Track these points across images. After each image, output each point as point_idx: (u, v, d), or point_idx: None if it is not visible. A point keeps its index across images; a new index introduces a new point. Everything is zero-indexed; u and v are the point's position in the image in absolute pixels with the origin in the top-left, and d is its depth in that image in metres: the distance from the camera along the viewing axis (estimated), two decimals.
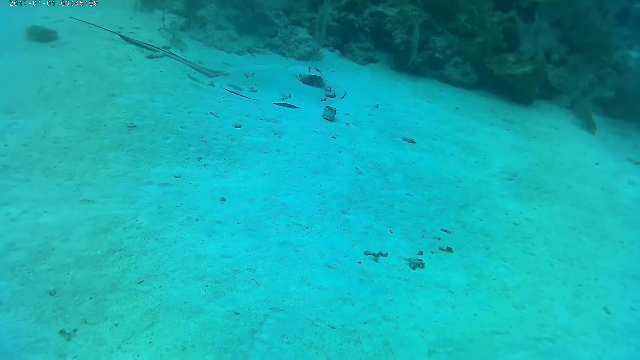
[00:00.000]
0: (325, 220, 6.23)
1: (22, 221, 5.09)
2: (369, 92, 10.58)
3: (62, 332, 4.28)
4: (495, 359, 4.88)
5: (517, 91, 12.39)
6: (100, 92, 7.52)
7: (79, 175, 5.92)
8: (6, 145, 6.08)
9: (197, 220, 5.65)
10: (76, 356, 4.06)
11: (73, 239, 5.02)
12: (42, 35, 8.43)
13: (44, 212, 5.29)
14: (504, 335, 5.17)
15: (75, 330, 4.27)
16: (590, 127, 12.15)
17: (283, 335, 4.58)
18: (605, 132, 12.38)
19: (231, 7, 10.78)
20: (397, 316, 5.06)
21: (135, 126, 6.98)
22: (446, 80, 12.65)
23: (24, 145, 6.16)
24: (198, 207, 5.85)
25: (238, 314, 4.64)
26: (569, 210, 8.12)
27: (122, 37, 9.20)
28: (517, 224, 7.25)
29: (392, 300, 5.28)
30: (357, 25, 12.12)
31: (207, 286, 4.86)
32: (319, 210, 6.37)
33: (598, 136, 12.11)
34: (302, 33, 11.56)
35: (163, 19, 10.10)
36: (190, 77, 8.79)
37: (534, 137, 10.92)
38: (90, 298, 4.53)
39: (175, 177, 6.29)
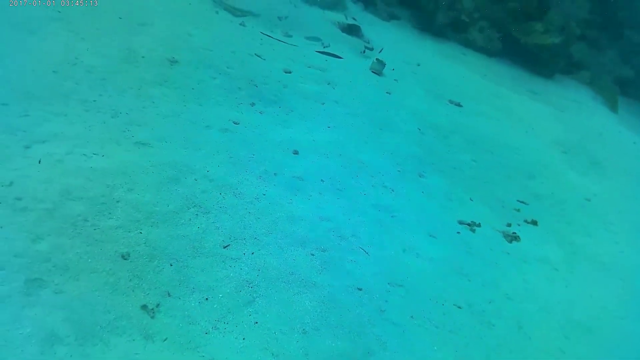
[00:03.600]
0: (407, 182, 5.39)
1: (70, 163, 3.98)
2: (402, 49, 9.68)
3: (144, 307, 3.28)
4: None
5: (542, 62, 11.75)
6: (128, 19, 6.30)
7: (125, 112, 4.80)
8: (33, 70, 4.83)
9: (275, 174, 4.67)
10: (166, 338, 3.07)
11: (138, 189, 3.94)
12: None
13: (94, 154, 4.18)
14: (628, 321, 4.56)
15: (158, 305, 3.27)
16: (613, 106, 11.68)
17: (412, 317, 3.73)
18: (626, 113, 11.94)
19: None
20: (517, 294, 4.35)
21: (177, 61, 5.85)
22: (469, 44, 11.88)
23: (54, 72, 4.93)
24: (272, 158, 4.85)
25: (361, 289, 3.72)
26: (628, 184, 7.58)
27: None
28: (588, 200, 6.68)
29: (504, 275, 4.58)
30: None
31: (312, 255, 3.92)
32: (398, 171, 5.51)
33: (620, 115, 11.64)
34: None
35: None
36: (218, 14, 7.57)
37: (562, 111, 10.32)
38: (171, 265, 3.52)
39: (235, 123, 5.26)
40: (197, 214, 3.98)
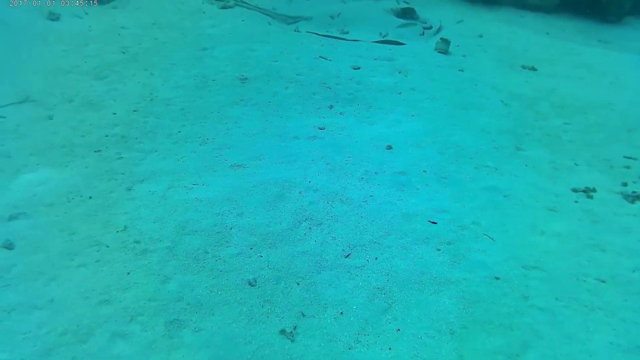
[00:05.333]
0: (507, 158, 5.06)
1: (174, 198, 3.90)
2: (457, 24, 9.24)
3: (282, 331, 3.13)
4: None
5: (605, 8, 11.00)
6: (190, 47, 6.26)
7: (212, 137, 4.72)
8: (114, 113, 4.84)
9: (376, 173, 4.45)
10: None
11: (248, 213, 3.82)
12: None
13: (194, 184, 4.09)
14: None
15: (295, 327, 3.12)
16: None
17: (557, 299, 3.41)
18: None
19: None
20: None
21: (247, 78, 5.74)
22: (523, 6, 11.30)
23: (134, 111, 4.92)
24: (368, 158, 4.64)
25: (498, 278, 3.45)
26: None
27: None
28: None
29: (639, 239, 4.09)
30: None
31: (438, 250, 3.67)
32: (494, 148, 5.18)
33: None
34: None
35: None
36: (271, 25, 7.45)
37: None
38: (298, 283, 3.34)
39: (320, 129, 5.08)
40: (310, 228, 3.82)
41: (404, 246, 3.73)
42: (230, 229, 3.70)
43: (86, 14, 6.95)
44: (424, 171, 4.60)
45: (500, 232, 3.99)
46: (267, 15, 7.89)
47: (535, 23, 10.83)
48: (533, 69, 7.79)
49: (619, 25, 11.15)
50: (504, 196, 4.45)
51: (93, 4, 7.04)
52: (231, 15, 7.43)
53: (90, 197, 3.89)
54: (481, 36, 8.50)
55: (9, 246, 3.33)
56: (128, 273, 3.22)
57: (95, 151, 4.45)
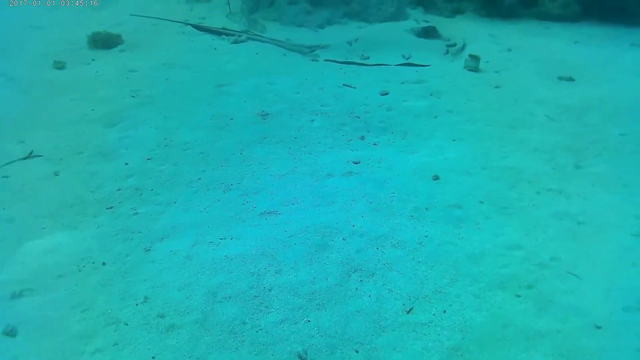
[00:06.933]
0: (569, 178, 4.49)
1: (201, 257, 3.34)
2: (483, 39, 8.72)
3: None
4: None
5: (630, 11, 10.42)
6: (205, 86, 5.80)
7: (236, 182, 4.25)
8: (126, 164, 4.33)
9: (427, 209, 3.86)
10: None
11: (287, 269, 3.29)
12: (106, 41, 6.78)
13: (221, 239, 3.53)
14: None
15: None
16: None
17: None
18: None
19: None
20: None
21: (268, 114, 5.23)
22: (545, 17, 10.78)
23: (148, 159, 4.41)
24: (415, 192, 4.06)
25: (599, 327, 2.78)
26: None
27: (195, 26, 7.48)
28: None
29: None
30: None
31: (518, 296, 3.07)
32: (553, 168, 4.60)
33: None
34: None
35: (228, 3, 8.33)
36: (287, 57, 6.99)
37: None
38: (356, 351, 2.75)
39: (355, 163, 4.53)
40: (361, 280, 3.22)
41: (476, 294, 3.10)
42: (270, 290, 3.11)
43: (93, 60, 6.55)
44: (481, 202, 4.00)
45: (585, 267, 3.36)
46: (282, 46, 7.42)
47: (561, 33, 10.30)
48: (571, 79, 7.22)
49: None
50: (579, 223, 3.83)
51: (98, 49, 6.60)
52: (244, 50, 6.98)
53: (104, 264, 3.34)
54: (510, 50, 7.96)
55: (11, 332, 2.77)
56: (153, 357, 2.63)
57: (107, 208, 3.92)
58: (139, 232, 3.69)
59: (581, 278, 3.26)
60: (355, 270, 3.32)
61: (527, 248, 3.47)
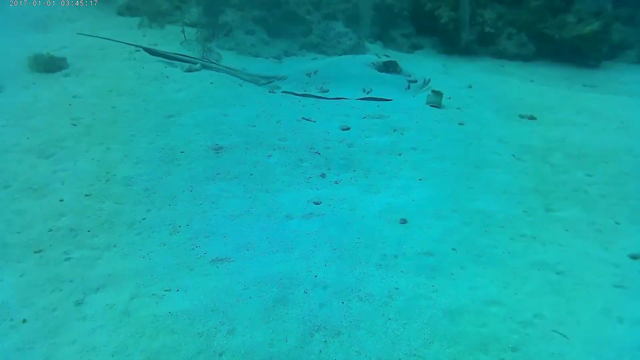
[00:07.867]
0: (541, 223, 4.33)
1: (140, 313, 2.87)
2: (441, 76, 8.62)
3: None
4: None
5: (584, 53, 10.69)
6: (153, 115, 5.35)
7: (185, 224, 3.84)
8: (61, 200, 3.82)
9: (396, 256, 3.53)
10: None
11: (241, 329, 2.85)
12: (49, 64, 6.25)
13: (165, 291, 3.09)
14: None
15: None
16: None
17: None
18: None
19: (256, 8, 8.70)
20: None
21: (222, 147, 4.84)
22: (502, 55, 10.93)
23: (86, 195, 3.90)
24: (381, 237, 3.73)
25: None
26: None
27: (147, 50, 7.03)
28: None
29: None
30: (395, 10, 10.20)
31: None
32: (524, 211, 4.45)
33: None
34: (339, 26, 9.62)
35: (183, 31, 7.94)
36: (243, 87, 6.63)
37: (633, 96, 9.14)
38: None
39: (315, 204, 4.16)
40: (326, 341, 2.82)
41: (456, 359, 2.70)
42: (221, 354, 2.66)
43: (33, 83, 6.00)
44: (454, 249, 3.68)
45: (571, 325, 3.07)
46: (238, 76, 7.05)
47: (517, 71, 10.40)
48: (532, 117, 7.14)
49: (599, 70, 10.84)
50: (558, 273, 3.57)
51: (40, 72, 6.06)
52: (198, 79, 6.57)
53: (24, 321, 2.80)
54: (471, 87, 7.84)
55: None
56: None
57: (35, 252, 3.40)
58: (71, 281, 3.19)
59: (569, 338, 2.93)
60: (318, 329, 2.91)
61: (508, 303, 3.14)
